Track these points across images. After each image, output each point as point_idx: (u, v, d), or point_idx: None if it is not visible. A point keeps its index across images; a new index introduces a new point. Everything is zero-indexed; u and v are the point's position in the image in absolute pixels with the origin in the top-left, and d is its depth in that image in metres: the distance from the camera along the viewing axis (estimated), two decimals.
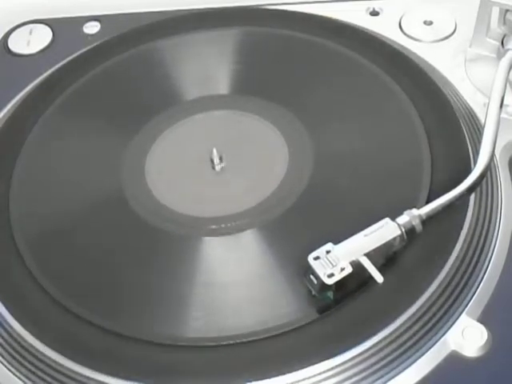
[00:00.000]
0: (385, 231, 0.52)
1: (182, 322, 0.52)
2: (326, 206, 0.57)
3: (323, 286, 0.50)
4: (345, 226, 0.53)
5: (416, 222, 0.52)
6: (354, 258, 0.51)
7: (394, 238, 0.52)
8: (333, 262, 0.50)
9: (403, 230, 0.52)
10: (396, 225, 0.52)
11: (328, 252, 0.51)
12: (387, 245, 0.52)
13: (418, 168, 0.57)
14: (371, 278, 0.50)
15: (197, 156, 0.61)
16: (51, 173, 0.62)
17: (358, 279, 0.51)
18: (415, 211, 0.53)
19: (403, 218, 0.52)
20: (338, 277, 0.50)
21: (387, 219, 0.52)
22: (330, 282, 0.50)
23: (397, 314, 0.50)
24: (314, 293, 0.51)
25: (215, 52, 0.68)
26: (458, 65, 0.66)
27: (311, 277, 0.51)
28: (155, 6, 0.75)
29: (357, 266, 0.50)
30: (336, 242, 0.51)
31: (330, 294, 0.51)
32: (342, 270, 0.50)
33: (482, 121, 0.58)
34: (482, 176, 0.54)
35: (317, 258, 0.51)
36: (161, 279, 0.54)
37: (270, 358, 0.49)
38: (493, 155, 0.55)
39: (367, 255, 0.51)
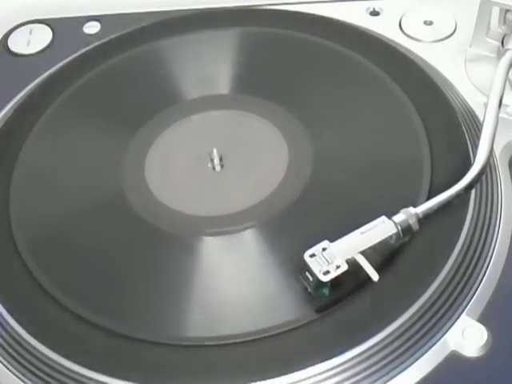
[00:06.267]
0: (381, 229, 0.52)
1: (182, 321, 0.52)
2: (326, 205, 0.57)
3: (319, 284, 0.50)
4: (345, 225, 0.53)
5: (412, 221, 0.52)
6: (349, 256, 0.51)
7: (391, 236, 0.52)
8: (329, 259, 0.51)
9: (399, 228, 0.52)
10: (392, 223, 0.52)
11: (324, 249, 0.51)
12: (383, 243, 0.52)
13: (418, 167, 0.57)
14: (368, 276, 0.50)
15: (197, 156, 0.61)
16: (51, 173, 0.62)
17: (354, 277, 0.51)
18: (412, 209, 0.53)
19: (400, 217, 0.52)
20: (333, 274, 0.50)
21: (384, 217, 0.52)
22: (325, 279, 0.50)
23: (397, 314, 0.50)
24: (309, 290, 0.51)
25: (215, 52, 0.68)
26: (458, 65, 0.66)
27: (307, 274, 0.51)
28: (155, 5, 0.75)
29: (353, 264, 0.50)
30: (336, 240, 0.52)
31: (326, 292, 0.51)
32: (338, 267, 0.50)
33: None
34: (480, 174, 0.55)
35: (313, 256, 0.51)
36: (161, 279, 0.54)
37: (270, 357, 0.49)
38: (491, 153, 0.56)
39: (363, 253, 0.51)
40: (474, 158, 0.55)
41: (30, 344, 0.52)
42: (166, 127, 0.64)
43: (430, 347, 0.50)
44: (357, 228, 0.52)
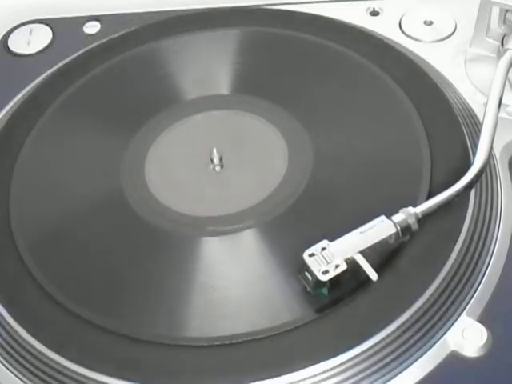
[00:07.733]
0: (380, 229, 0.52)
1: (182, 321, 0.52)
2: (326, 206, 0.57)
3: (318, 283, 0.50)
4: (345, 226, 0.53)
5: (412, 221, 0.52)
6: (348, 256, 0.51)
7: (390, 236, 0.52)
8: (328, 258, 0.51)
9: (399, 228, 0.52)
10: (391, 223, 0.52)
11: (323, 249, 0.51)
12: (382, 243, 0.52)
13: (418, 167, 0.57)
14: (367, 275, 0.50)
15: (197, 156, 0.61)
16: (51, 173, 0.62)
17: (354, 277, 0.51)
18: (411, 209, 0.53)
19: (399, 216, 0.52)
20: (332, 274, 0.50)
21: (383, 217, 0.52)
22: (324, 278, 0.50)
23: (397, 314, 0.50)
24: (308, 289, 0.51)
25: (215, 52, 0.68)
26: (458, 65, 0.66)
27: (306, 273, 0.51)
28: (155, 6, 0.75)
29: (352, 264, 0.50)
30: (335, 240, 0.52)
31: (325, 291, 0.51)
32: (337, 267, 0.50)
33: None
34: (480, 174, 0.55)
35: (312, 255, 0.51)
36: (160, 279, 0.54)
37: (269, 358, 0.49)
38: (490, 153, 0.56)
39: (362, 253, 0.51)
40: (474, 157, 0.55)
41: (30, 344, 0.52)
42: (166, 127, 0.64)
43: (430, 347, 0.50)
44: (356, 228, 0.52)
